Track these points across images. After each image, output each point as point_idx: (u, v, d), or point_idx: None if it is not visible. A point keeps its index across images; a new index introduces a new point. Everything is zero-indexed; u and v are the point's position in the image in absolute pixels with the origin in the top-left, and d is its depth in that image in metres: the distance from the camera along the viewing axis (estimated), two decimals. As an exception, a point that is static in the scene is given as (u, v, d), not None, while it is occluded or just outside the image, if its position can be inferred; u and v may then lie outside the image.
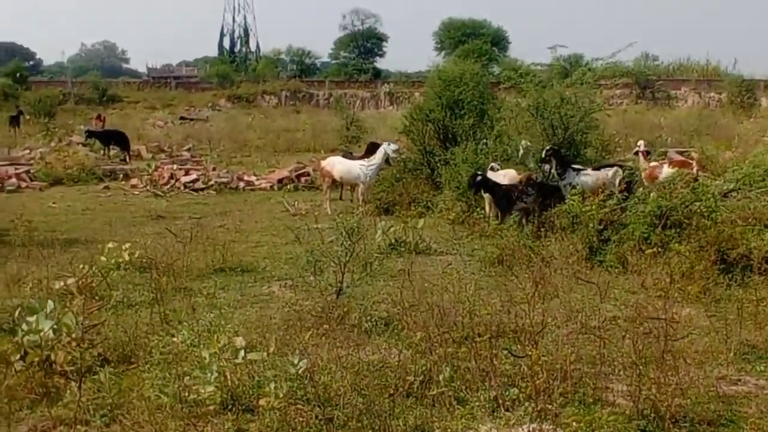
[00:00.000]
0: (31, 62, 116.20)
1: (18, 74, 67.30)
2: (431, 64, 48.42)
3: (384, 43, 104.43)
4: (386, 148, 19.07)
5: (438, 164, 19.19)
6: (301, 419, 6.74)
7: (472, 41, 78.14)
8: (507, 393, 7.16)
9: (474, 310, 8.54)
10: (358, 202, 19.29)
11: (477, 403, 7.05)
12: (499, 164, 17.52)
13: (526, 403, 6.86)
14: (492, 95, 22.84)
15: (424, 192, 18.74)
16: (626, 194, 15.23)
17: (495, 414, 6.94)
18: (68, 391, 7.42)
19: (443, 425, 6.81)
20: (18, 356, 7.81)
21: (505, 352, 7.85)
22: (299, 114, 52.97)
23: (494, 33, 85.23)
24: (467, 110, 20.55)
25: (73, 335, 7.51)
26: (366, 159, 19.63)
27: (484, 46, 76.42)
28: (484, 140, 19.62)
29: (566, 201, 14.59)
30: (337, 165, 19.36)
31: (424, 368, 7.68)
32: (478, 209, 16.10)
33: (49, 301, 8.21)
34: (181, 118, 49.56)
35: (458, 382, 7.47)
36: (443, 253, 14.03)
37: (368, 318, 9.50)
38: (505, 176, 16.62)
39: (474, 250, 13.86)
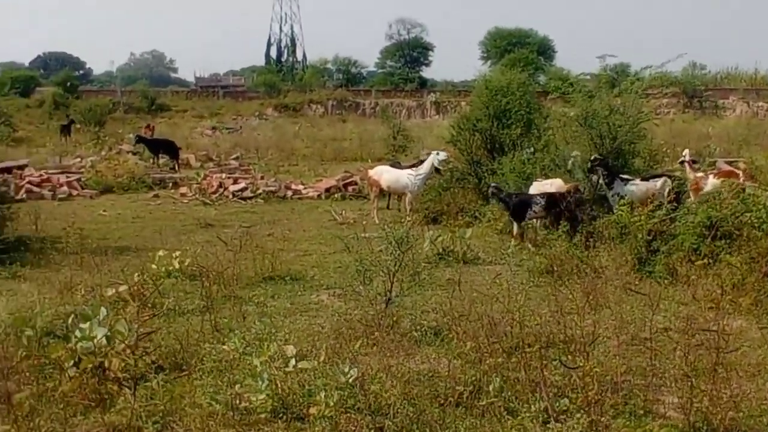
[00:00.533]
0: (81, 72, 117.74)
1: (68, 83, 68.25)
2: (477, 74, 48.44)
3: (430, 53, 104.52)
4: (435, 157, 19.06)
5: (485, 174, 19.18)
6: (352, 428, 6.78)
7: (518, 50, 77.95)
8: (558, 404, 7.14)
9: (524, 321, 8.53)
10: (405, 211, 19.34)
11: (527, 414, 7.02)
12: (541, 178, 17.38)
13: (578, 415, 6.81)
14: (539, 105, 22.76)
15: (471, 202, 18.73)
16: (675, 205, 15.11)
17: (546, 425, 6.92)
18: (121, 398, 7.50)
19: (494, 435, 6.81)
20: (71, 362, 7.90)
21: (555, 362, 7.83)
22: (345, 123, 53.17)
23: (540, 42, 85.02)
24: (514, 120, 20.48)
25: (127, 342, 7.59)
26: (414, 168, 19.65)
27: (531, 55, 76.13)
28: (531, 150, 19.53)
29: (587, 213, 14.92)
30: (385, 174, 19.40)
31: (473, 378, 7.70)
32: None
33: (102, 308, 8.29)
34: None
35: (508, 393, 7.47)
36: (491, 263, 14.01)
37: (418, 327, 9.55)
38: (552, 185, 16.56)
39: (522, 260, 13.80)
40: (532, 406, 7.10)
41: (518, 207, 15.81)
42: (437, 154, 19.34)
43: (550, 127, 20.46)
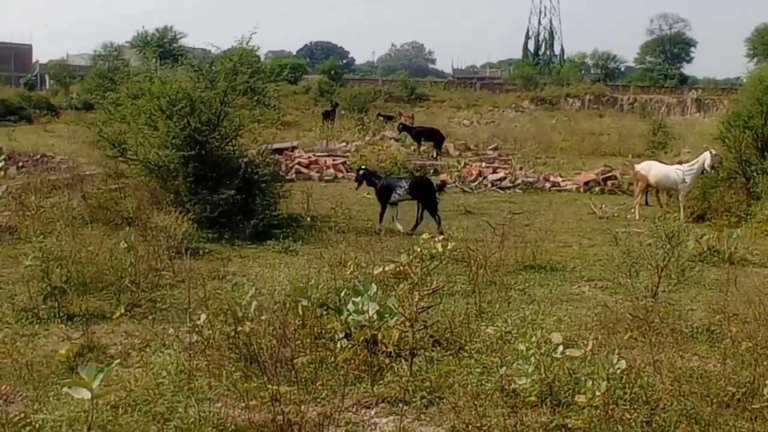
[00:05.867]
0: (345, 61, 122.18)
1: (333, 72, 71.07)
2: (744, 71, 46.31)
3: (692, 49, 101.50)
4: (708, 156, 18.41)
5: (755, 173, 18.34)
6: (622, 419, 6.69)
7: (787, 48, 74.19)
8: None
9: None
10: (666, 207, 18.91)
11: (806, 422, 6.70)
12: None
13: None
14: (812, 104, 21.48)
15: (738, 201, 17.97)
16: None
17: (828, 434, 6.58)
18: (390, 371, 7.76)
19: (771, 440, 6.52)
20: (343, 334, 8.24)
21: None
22: (602, 118, 52.17)
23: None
24: (789, 119, 19.44)
25: (408, 315, 7.81)
26: (686, 164, 19.08)
27: (801, 52, 72.23)
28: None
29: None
30: (654, 169, 18.95)
31: (747, 380, 7.41)
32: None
33: (372, 285, 8.57)
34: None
35: (785, 397, 7.13)
36: (761, 265, 13.44)
37: (687, 324, 9.30)
38: None
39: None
40: (813, 414, 6.76)
41: (383, 190, 16.41)
42: (711, 152, 18.63)
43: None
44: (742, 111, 20.72)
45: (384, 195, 16.41)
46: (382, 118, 41.47)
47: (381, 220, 16.13)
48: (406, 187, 16.26)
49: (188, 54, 18.68)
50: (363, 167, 18.75)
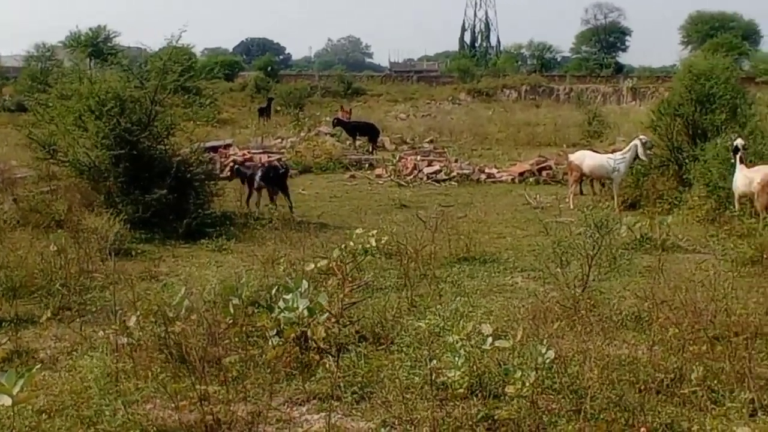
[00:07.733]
0: (281, 57, 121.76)
1: (269, 68, 70.87)
2: (678, 59, 46.87)
3: (627, 38, 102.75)
4: (638, 143, 18.58)
5: (686, 160, 18.56)
6: (550, 408, 6.74)
7: (721, 35, 75.29)
8: (766, 396, 6.87)
9: (730, 309, 8.25)
10: (598, 196, 19.08)
11: (732, 405, 6.76)
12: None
13: (788, 408, 6.53)
14: (744, 90, 21.79)
15: (671, 188, 18.17)
16: None
17: (752, 417, 6.66)
18: (321, 368, 7.74)
19: (697, 424, 6.58)
20: (274, 331, 8.20)
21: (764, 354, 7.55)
22: (539, 108, 52.52)
23: (745, 26, 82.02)
24: (718, 105, 19.68)
25: (333, 311, 7.80)
26: (619, 153, 19.23)
27: (734, 39, 73.24)
28: (736, 135, 18.76)
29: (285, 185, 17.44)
30: (588, 159, 19.07)
31: (675, 366, 7.49)
32: (730, 207, 15.48)
33: (304, 281, 8.54)
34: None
35: (712, 382, 7.22)
36: (692, 251, 13.59)
37: (616, 312, 9.39)
38: (758, 172, 15.86)
39: (726, 249, 13.29)
40: (738, 397, 6.84)
41: (249, 178, 17.67)
42: (641, 139, 18.81)
43: (756, 113, 19.62)
44: (673, 99, 20.95)
45: (250, 182, 17.48)
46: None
47: (248, 203, 17.49)
48: (261, 175, 17.20)
49: (118, 53, 18.42)
50: (236, 164, 20.81)
